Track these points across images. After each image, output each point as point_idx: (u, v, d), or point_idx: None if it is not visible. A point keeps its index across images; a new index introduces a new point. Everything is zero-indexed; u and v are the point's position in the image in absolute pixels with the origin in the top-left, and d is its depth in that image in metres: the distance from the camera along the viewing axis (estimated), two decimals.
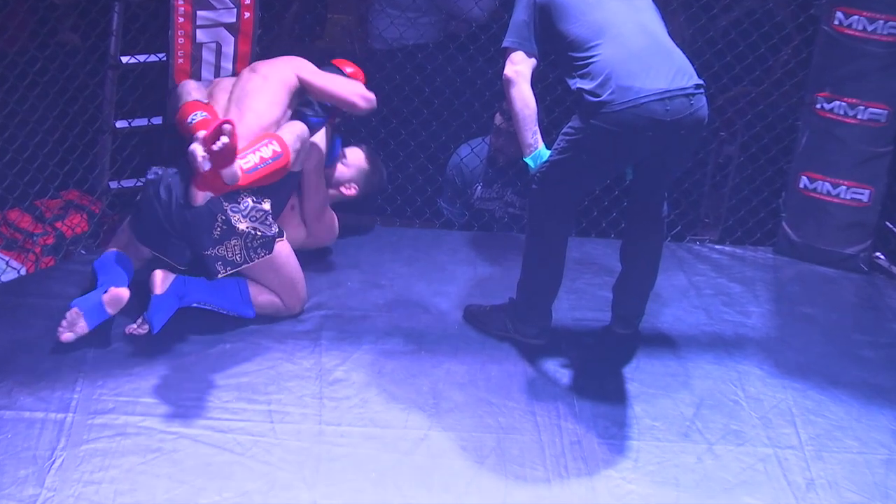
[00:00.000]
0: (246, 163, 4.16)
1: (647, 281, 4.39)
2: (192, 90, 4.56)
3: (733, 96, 5.49)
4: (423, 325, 4.51)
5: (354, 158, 5.04)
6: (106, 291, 4.15)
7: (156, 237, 4.30)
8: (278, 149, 4.24)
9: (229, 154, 4.03)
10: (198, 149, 4.01)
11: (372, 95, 4.61)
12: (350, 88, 4.58)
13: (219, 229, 4.21)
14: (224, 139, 3.97)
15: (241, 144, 4.17)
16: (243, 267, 4.31)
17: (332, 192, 4.94)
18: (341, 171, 5.00)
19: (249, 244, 4.27)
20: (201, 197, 4.16)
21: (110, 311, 4.15)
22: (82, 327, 4.12)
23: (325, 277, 4.73)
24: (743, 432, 4.02)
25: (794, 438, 4.02)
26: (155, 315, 4.18)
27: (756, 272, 5.14)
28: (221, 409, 3.91)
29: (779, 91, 5.38)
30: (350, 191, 5.03)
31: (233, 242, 4.24)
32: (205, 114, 4.33)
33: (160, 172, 4.28)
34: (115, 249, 4.43)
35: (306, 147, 4.49)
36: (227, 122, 3.99)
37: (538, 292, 4.31)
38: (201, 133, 4.06)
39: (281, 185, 4.38)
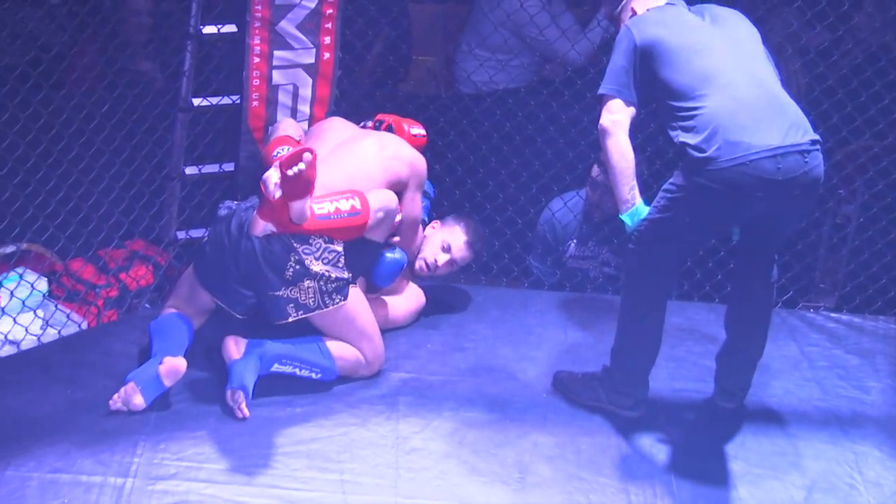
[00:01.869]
0: (320, 208, 4.24)
1: (755, 351, 4.38)
2: (288, 128, 4.67)
3: (853, 151, 5.49)
4: (508, 392, 4.54)
5: (459, 253, 5.00)
6: (161, 362, 4.20)
7: (218, 279, 4.37)
8: (358, 206, 4.32)
9: (303, 185, 4.11)
10: (272, 174, 4.10)
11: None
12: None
13: (291, 269, 4.26)
14: (301, 166, 4.04)
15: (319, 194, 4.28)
16: (316, 313, 4.35)
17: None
18: (442, 272, 5.03)
19: (324, 287, 4.31)
20: (261, 227, 4.23)
21: (167, 383, 4.20)
22: (139, 403, 4.18)
23: (404, 339, 4.80)
24: None
25: None
26: (243, 380, 4.20)
27: (876, 343, 5.11)
28: (290, 478, 3.96)
29: None
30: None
31: (306, 284, 4.29)
32: (291, 150, 4.36)
33: (233, 207, 4.39)
34: (172, 310, 4.51)
35: (391, 220, 4.53)
36: (309, 150, 4.07)
37: (634, 360, 4.32)
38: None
39: (358, 251, 4.43)
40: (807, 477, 4.18)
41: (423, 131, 4.90)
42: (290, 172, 4.05)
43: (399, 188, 4.65)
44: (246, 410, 4.21)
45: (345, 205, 4.30)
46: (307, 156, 4.06)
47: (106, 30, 5.23)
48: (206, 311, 4.57)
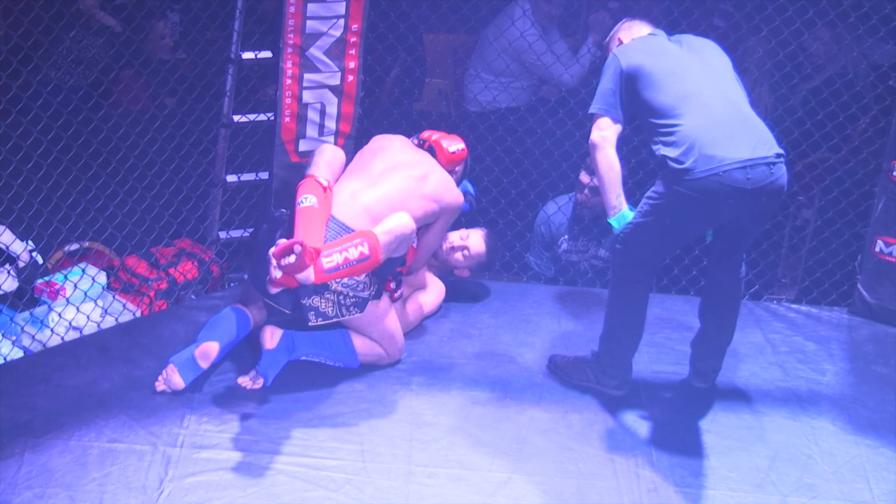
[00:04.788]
0: (329, 262, 4.04)
1: (725, 337, 4.36)
2: (322, 162, 4.39)
3: (812, 162, 5.47)
4: (508, 373, 4.53)
5: (475, 246, 4.98)
6: (198, 347, 4.22)
7: (264, 279, 4.31)
8: (366, 251, 4.08)
9: (299, 267, 3.94)
10: (273, 258, 3.96)
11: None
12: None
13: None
14: (291, 258, 3.90)
15: (354, 219, 4.23)
16: (334, 320, 4.28)
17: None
18: (457, 258, 5.00)
19: (342, 301, 4.24)
20: (275, 290, 4.09)
21: (203, 364, 4.21)
22: (178, 382, 4.17)
23: (418, 326, 4.77)
24: (816, 486, 3.99)
25: (867, 494, 3.97)
26: (268, 369, 4.20)
27: (831, 331, 5.09)
28: (317, 448, 3.97)
29: (856, 158, 5.35)
30: (462, 273, 5.06)
31: (326, 296, 4.21)
32: (314, 200, 4.20)
33: (285, 213, 4.31)
34: (237, 305, 4.48)
35: (408, 242, 4.28)
36: (299, 243, 3.91)
37: (620, 345, 4.31)
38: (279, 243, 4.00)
39: (383, 268, 4.29)
40: (770, 448, 4.17)
41: (461, 146, 4.78)
42: (283, 263, 3.92)
43: (431, 220, 4.58)
44: (251, 386, 4.18)
45: (353, 252, 4.08)
46: (297, 248, 3.90)
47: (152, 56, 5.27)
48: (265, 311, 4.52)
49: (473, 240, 4.99)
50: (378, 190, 4.40)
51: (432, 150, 4.75)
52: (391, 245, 4.18)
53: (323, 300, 4.22)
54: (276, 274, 3.97)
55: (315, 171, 4.37)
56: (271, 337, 4.23)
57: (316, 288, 4.15)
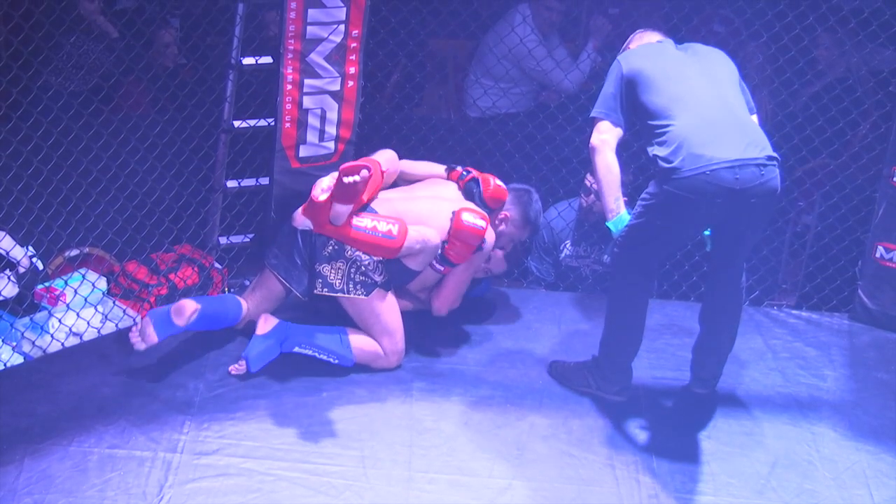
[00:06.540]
0: (359, 220, 4.24)
1: (726, 343, 4.36)
2: (384, 159, 4.57)
3: (812, 168, 5.47)
4: (509, 379, 4.52)
5: (497, 260, 5.02)
6: (175, 303, 4.29)
7: (284, 259, 4.39)
8: (395, 234, 4.27)
9: (351, 193, 4.11)
10: (325, 180, 4.15)
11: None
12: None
13: (331, 248, 4.30)
14: (356, 178, 4.05)
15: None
16: (339, 295, 4.35)
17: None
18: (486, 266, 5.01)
19: (352, 276, 4.31)
20: (300, 221, 4.24)
21: (177, 321, 4.25)
22: (151, 335, 4.21)
23: (419, 332, 4.76)
24: (816, 492, 3.98)
25: (868, 500, 3.96)
26: (251, 352, 4.28)
27: (832, 337, 5.08)
28: (318, 454, 3.97)
29: (856, 164, 5.34)
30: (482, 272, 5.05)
31: (338, 264, 4.30)
32: (366, 173, 4.27)
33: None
34: (235, 295, 4.55)
35: (428, 254, 4.46)
36: (368, 167, 4.09)
37: (620, 351, 4.31)
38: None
39: (398, 270, 4.44)
40: (770, 454, 4.16)
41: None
42: (345, 179, 4.07)
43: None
44: (236, 371, 4.33)
45: (383, 226, 4.29)
46: (364, 173, 4.08)
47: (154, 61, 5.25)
48: (274, 298, 4.57)
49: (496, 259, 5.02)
50: (412, 206, 4.50)
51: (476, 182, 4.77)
52: (415, 245, 4.35)
53: (334, 269, 4.31)
54: (321, 196, 4.12)
55: (377, 156, 4.56)
56: (264, 323, 4.34)
57: (331, 254, 4.26)
